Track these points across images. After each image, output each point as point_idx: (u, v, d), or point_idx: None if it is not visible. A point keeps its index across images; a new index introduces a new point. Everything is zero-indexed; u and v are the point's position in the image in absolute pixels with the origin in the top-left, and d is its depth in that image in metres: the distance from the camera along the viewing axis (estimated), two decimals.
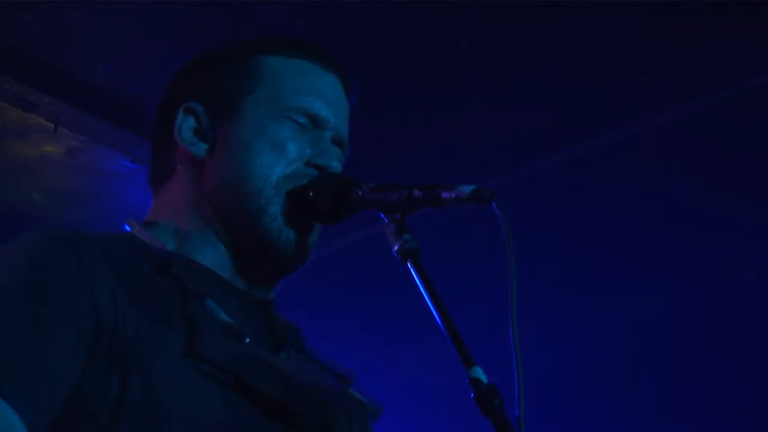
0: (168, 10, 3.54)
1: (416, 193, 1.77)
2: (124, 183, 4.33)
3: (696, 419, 5.07)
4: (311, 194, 1.84)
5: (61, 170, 4.30)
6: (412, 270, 1.71)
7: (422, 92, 4.02)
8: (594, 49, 3.79)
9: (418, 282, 1.70)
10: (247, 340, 1.68)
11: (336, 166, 1.89)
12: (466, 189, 1.73)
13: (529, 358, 1.59)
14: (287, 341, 1.85)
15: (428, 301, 1.67)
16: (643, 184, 4.37)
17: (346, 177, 1.86)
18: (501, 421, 1.54)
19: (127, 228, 1.86)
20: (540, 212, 4.36)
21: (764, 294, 4.79)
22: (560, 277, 4.85)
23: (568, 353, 5.20)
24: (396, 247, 1.74)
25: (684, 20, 3.64)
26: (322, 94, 1.93)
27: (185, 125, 1.92)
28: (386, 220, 1.79)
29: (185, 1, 3.52)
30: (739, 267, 4.77)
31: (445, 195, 1.75)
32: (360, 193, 1.82)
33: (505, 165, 4.29)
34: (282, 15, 3.56)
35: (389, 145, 4.24)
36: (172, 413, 1.62)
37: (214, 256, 1.85)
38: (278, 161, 1.85)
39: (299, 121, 1.89)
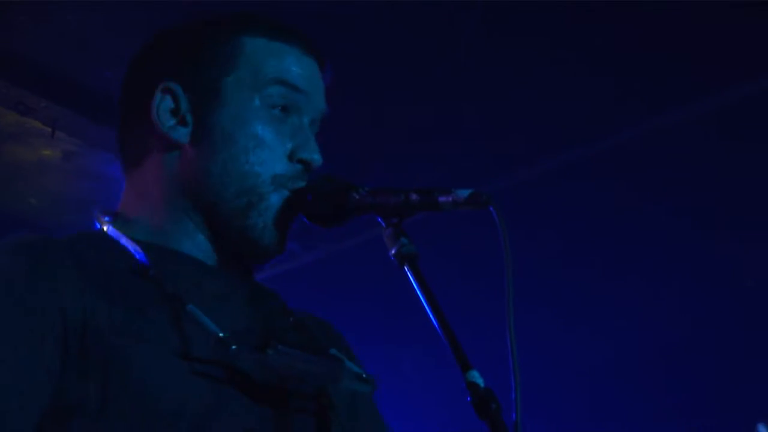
0: (165, 15, 3.54)
1: (413, 197, 1.76)
2: (121, 187, 4.32)
3: (691, 424, 5.07)
4: (310, 198, 1.84)
5: (58, 174, 4.30)
6: (409, 274, 1.71)
7: (419, 99, 4.02)
8: (591, 57, 3.79)
9: (415, 286, 1.69)
10: (233, 347, 1.66)
11: (317, 158, 1.87)
12: (463, 193, 1.72)
13: (525, 362, 1.59)
14: (274, 319, 1.85)
15: (425, 305, 1.67)
16: (640, 191, 4.37)
17: (344, 181, 1.85)
18: (498, 425, 1.54)
19: (97, 225, 1.85)
20: (536, 218, 4.36)
21: (763, 299, 4.79)
22: (555, 280, 4.86)
23: (565, 357, 5.20)
24: (393, 251, 1.73)
25: (681, 28, 3.65)
26: (299, 73, 1.90)
27: (163, 106, 1.85)
28: (383, 224, 1.79)
29: (186, 4, 3.52)
30: (738, 273, 4.77)
31: (442, 199, 1.74)
32: (357, 197, 1.82)
33: (501, 171, 4.29)
34: (277, 16, 3.55)
35: (386, 150, 4.24)
36: (157, 400, 1.61)
37: (191, 245, 1.84)
38: (265, 159, 1.83)
39: (278, 100, 1.86)
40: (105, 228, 1.83)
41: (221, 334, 1.67)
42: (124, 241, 1.79)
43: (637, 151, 4.19)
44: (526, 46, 3.79)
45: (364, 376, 1.82)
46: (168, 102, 1.86)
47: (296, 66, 1.90)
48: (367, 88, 3.91)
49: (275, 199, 1.83)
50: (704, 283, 4.82)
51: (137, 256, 1.75)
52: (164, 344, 1.66)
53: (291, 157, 1.86)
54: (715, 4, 3.56)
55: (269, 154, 1.84)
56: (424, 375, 5.39)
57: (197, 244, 1.84)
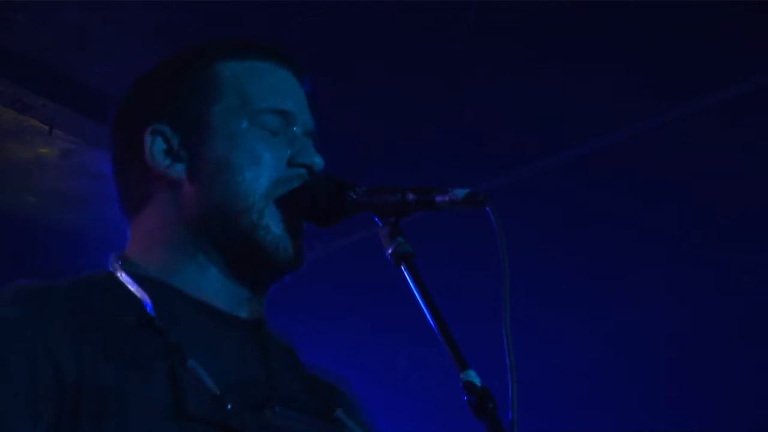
0: (163, 12, 3.54)
1: (410, 196, 1.77)
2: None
3: (688, 424, 5.07)
4: (306, 198, 1.84)
5: (55, 172, 4.30)
6: (405, 273, 1.71)
7: (416, 97, 4.02)
8: (590, 56, 3.79)
9: (411, 285, 1.70)
10: (229, 406, 1.64)
11: (318, 162, 1.87)
12: (460, 192, 1.73)
13: (522, 361, 1.59)
14: (282, 375, 1.82)
15: (422, 305, 1.67)
16: (639, 188, 4.37)
17: (340, 180, 1.85)
18: (495, 424, 1.54)
19: (110, 268, 1.83)
20: (533, 217, 4.36)
21: (760, 297, 4.79)
22: (552, 280, 4.86)
23: (562, 357, 5.20)
24: (390, 251, 1.74)
25: (680, 26, 3.65)
26: (283, 90, 1.91)
27: (156, 147, 1.85)
28: (380, 223, 1.79)
29: (181, 3, 3.52)
30: (734, 271, 4.78)
31: (438, 198, 1.74)
32: (354, 196, 1.82)
33: (499, 169, 4.29)
34: (273, 18, 3.56)
35: (382, 149, 4.24)
36: None
37: (206, 283, 1.82)
38: (261, 173, 1.83)
39: (271, 125, 1.86)
40: (116, 272, 1.81)
41: (218, 392, 1.65)
42: (133, 287, 1.77)
43: (635, 152, 4.19)
44: (524, 46, 3.79)
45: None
46: (159, 143, 1.86)
47: (276, 81, 1.90)
48: (364, 87, 3.91)
49: (275, 211, 1.83)
50: (702, 283, 4.82)
51: (145, 305, 1.73)
52: (160, 402, 1.63)
53: (290, 163, 1.86)
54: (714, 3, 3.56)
55: (266, 164, 1.83)
56: (420, 374, 5.38)
57: (209, 279, 1.83)
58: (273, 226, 1.82)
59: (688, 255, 4.69)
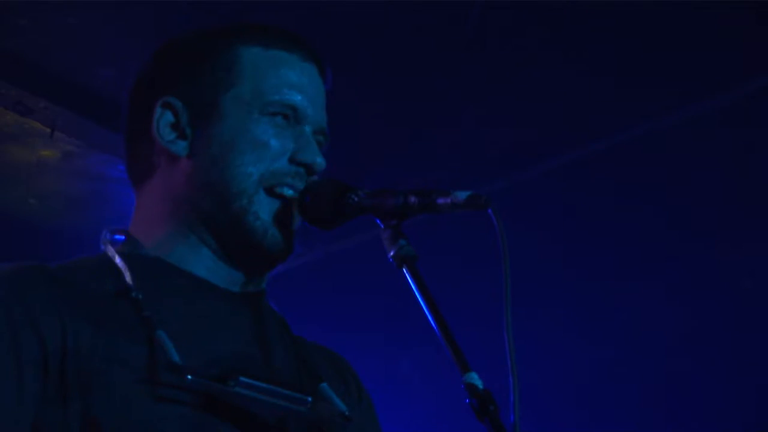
0: (165, 15, 3.54)
1: (412, 199, 1.76)
2: (120, 187, 4.33)
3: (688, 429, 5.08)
4: (308, 199, 1.84)
5: (57, 174, 4.30)
6: (407, 276, 1.71)
7: (418, 99, 4.02)
8: (591, 58, 3.79)
9: (413, 288, 1.70)
10: (189, 377, 1.65)
11: (320, 162, 1.87)
12: (462, 195, 1.72)
13: (524, 363, 1.59)
14: (266, 346, 1.84)
15: (424, 307, 1.67)
16: (641, 189, 4.37)
17: (343, 183, 1.85)
18: (496, 426, 1.54)
19: (102, 247, 1.85)
20: (534, 219, 4.36)
21: (761, 302, 4.79)
22: (554, 282, 4.86)
23: (564, 359, 5.20)
24: (392, 253, 1.74)
25: (681, 27, 3.65)
26: (301, 86, 1.90)
27: (163, 121, 1.86)
28: (382, 226, 1.79)
29: (184, 5, 3.52)
30: (736, 276, 4.78)
31: (440, 201, 1.74)
32: (356, 199, 1.82)
33: (500, 171, 4.29)
34: (276, 17, 3.56)
35: (384, 150, 4.24)
36: (129, 424, 1.62)
37: (197, 260, 1.84)
38: (261, 159, 1.83)
39: (280, 117, 1.86)
40: (106, 248, 1.84)
41: (180, 363, 1.66)
42: (118, 261, 1.79)
43: (637, 154, 4.20)
44: (525, 47, 3.80)
45: (345, 414, 1.79)
46: (168, 116, 1.87)
47: (295, 75, 1.90)
48: (367, 88, 3.92)
49: (264, 198, 1.83)
50: (702, 286, 4.82)
51: (124, 277, 1.76)
52: (140, 370, 1.66)
53: (291, 159, 1.86)
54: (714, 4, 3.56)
55: (268, 153, 1.84)
56: (422, 376, 5.39)
57: (202, 259, 1.84)
58: (261, 212, 1.82)
59: (691, 257, 4.69)
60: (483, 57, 3.81)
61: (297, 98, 1.88)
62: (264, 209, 1.83)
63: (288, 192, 1.84)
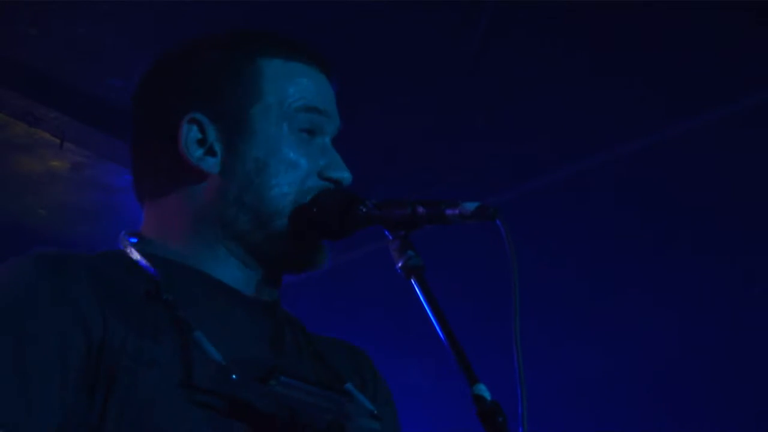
0: (175, 25, 3.55)
1: (420, 210, 1.77)
2: (129, 198, 4.30)
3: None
4: (315, 210, 1.85)
5: (66, 185, 4.31)
6: (415, 286, 1.71)
7: (427, 107, 4.03)
8: (602, 66, 3.79)
9: (421, 299, 1.70)
10: (234, 376, 1.66)
11: (348, 177, 1.88)
12: (470, 206, 1.72)
13: (531, 373, 1.59)
14: (291, 349, 1.85)
15: (432, 318, 1.67)
16: (647, 200, 4.37)
17: (351, 193, 1.86)
18: None
19: (120, 246, 1.84)
20: (542, 229, 4.36)
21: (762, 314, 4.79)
22: (563, 293, 4.85)
23: (573, 370, 5.19)
24: (400, 264, 1.74)
25: (686, 40, 3.65)
26: (322, 97, 1.92)
27: (191, 137, 1.84)
28: (390, 237, 1.79)
29: (193, 17, 3.53)
30: (737, 289, 4.77)
31: (449, 212, 1.74)
32: (364, 210, 1.82)
33: (509, 182, 4.29)
34: (285, 24, 3.56)
35: (393, 160, 4.24)
36: (155, 427, 1.62)
37: (222, 269, 1.84)
38: (295, 180, 1.84)
39: (307, 125, 1.87)
40: (127, 249, 1.83)
41: (223, 363, 1.67)
42: (143, 262, 1.78)
43: (644, 164, 4.19)
44: (535, 54, 3.80)
45: (375, 413, 1.81)
46: (195, 132, 1.85)
47: (314, 86, 1.91)
48: (375, 96, 3.92)
49: (298, 216, 1.84)
50: (705, 299, 4.82)
51: (155, 278, 1.75)
52: (169, 371, 1.66)
53: (321, 174, 1.87)
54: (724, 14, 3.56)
55: (301, 172, 1.84)
56: (431, 387, 5.38)
57: (229, 267, 1.84)
58: (302, 233, 1.84)
59: (696, 267, 4.69)
60: (493, 64, 3.81)
61: (320, 107, 1.89)
62: (300, 226, 1.84)
63: None
